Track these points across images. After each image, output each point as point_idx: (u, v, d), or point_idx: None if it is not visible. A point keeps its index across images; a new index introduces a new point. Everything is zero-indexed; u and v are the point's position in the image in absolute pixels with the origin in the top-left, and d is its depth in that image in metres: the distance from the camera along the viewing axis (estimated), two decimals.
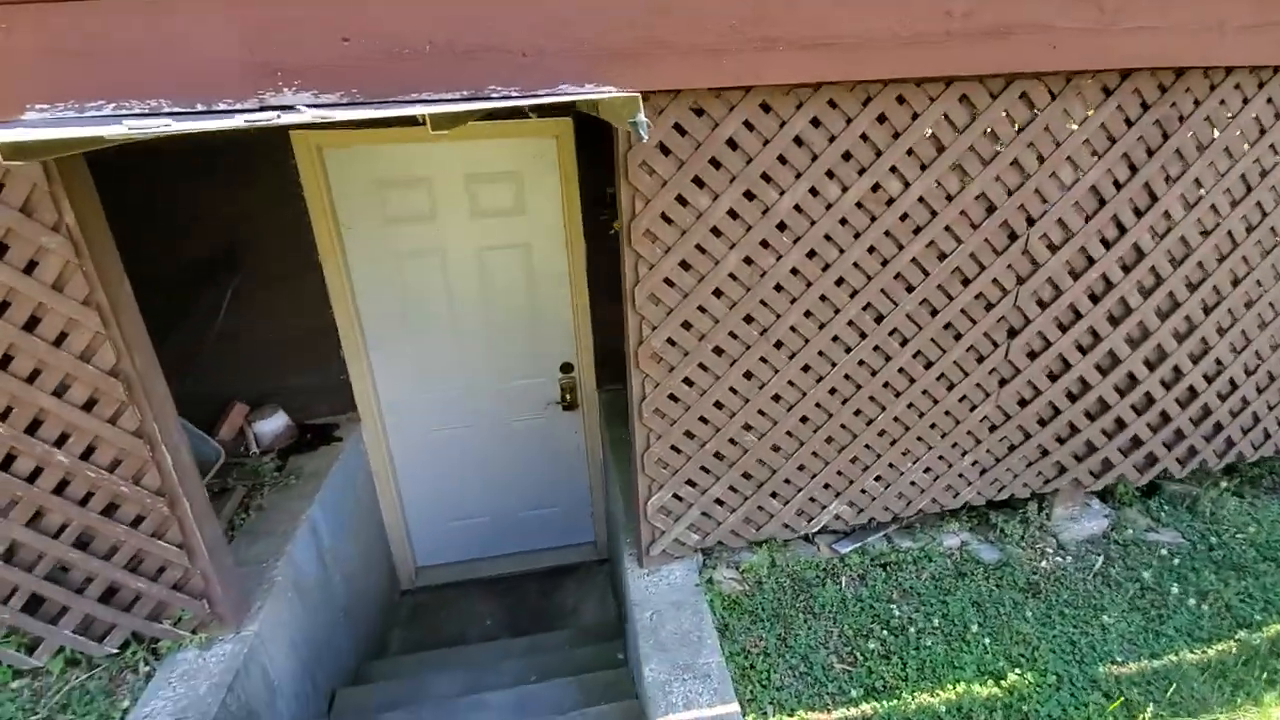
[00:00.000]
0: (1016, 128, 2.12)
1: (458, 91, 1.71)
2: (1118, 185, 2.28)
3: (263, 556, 2.65)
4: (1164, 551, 2.69)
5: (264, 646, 2.36)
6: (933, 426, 2.48)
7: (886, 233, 2.16)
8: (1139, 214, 2.33)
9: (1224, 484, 3.05)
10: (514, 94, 1.73)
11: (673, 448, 2.29)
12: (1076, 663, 2.17)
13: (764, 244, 2.09)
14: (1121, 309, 2.46)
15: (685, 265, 2.07)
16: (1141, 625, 2.32)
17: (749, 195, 2.03)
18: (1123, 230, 2.34)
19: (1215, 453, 2.84)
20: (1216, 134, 2.29)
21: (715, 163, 1.97)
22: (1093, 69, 2.07)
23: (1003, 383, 2.47)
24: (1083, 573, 2.59)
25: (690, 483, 2.36)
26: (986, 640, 2.24)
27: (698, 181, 1.98)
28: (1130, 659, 2.19)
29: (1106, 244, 2.35)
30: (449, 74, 1.69)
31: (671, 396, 2.22)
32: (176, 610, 2.22)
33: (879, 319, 2.27)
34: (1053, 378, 2.51)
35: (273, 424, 3.37)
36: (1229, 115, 2.28)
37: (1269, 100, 2.30)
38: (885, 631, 2.29)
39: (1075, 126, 2.16)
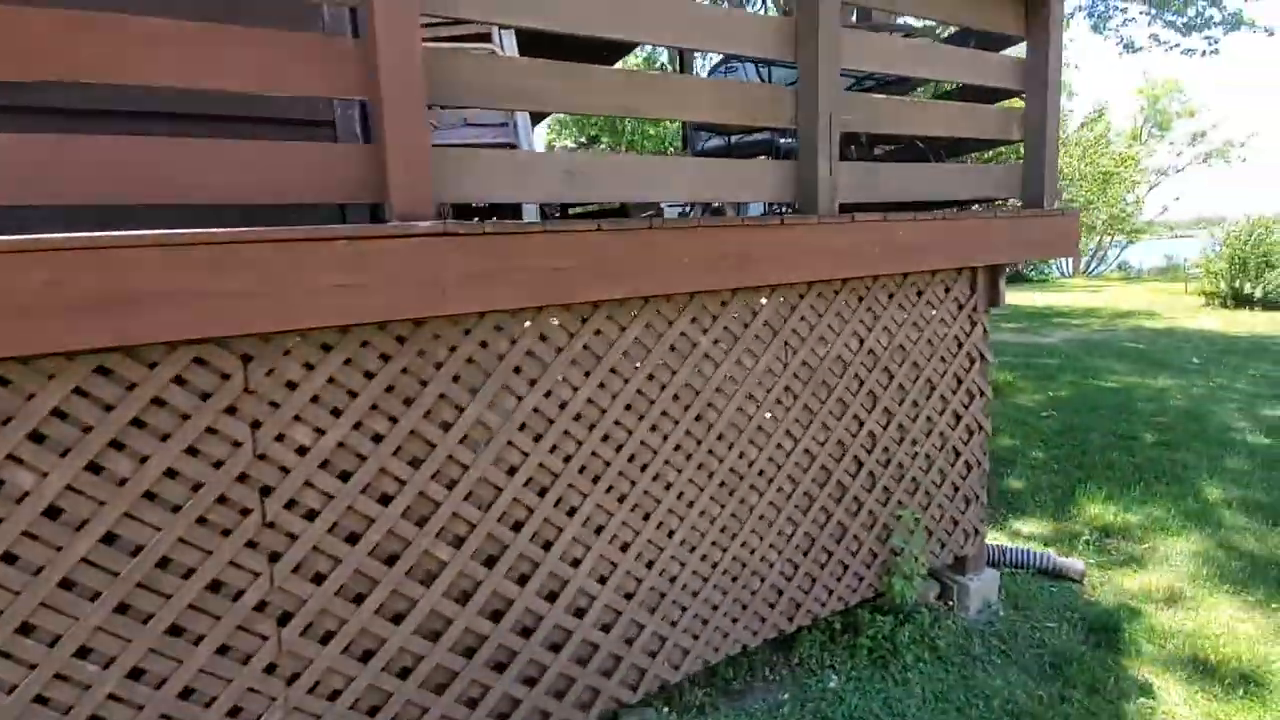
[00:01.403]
0: (202, 396, 1.86)
1: None
2: (378, 439, 2.10)
3: None
4: None
5: None
6: None
7: None
8: (416, 464, 2.16)
9: (677, 708, 2.87)
10: None
11: None
12: None
13: None
14: (435, 564, 2.22)
15: None
16: None
17: None
18: (402, 483, 2.14)
19: (626, 685, 2.64)
20: (487, 378, 2.25)
21: None
22: (295, 328, 1.91)
23: (292, 679, 2.05)
24: None
25: None
26: None
27: None
28: None
29: (386, 500, 2.13)
30: None
31: None
32: None
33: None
34: (366, 658, 2.15)
35: None
36: (498, 356, 2.27)
37: (543, 337, 2.34)
38: None
39: (291, 389, 1.96)
